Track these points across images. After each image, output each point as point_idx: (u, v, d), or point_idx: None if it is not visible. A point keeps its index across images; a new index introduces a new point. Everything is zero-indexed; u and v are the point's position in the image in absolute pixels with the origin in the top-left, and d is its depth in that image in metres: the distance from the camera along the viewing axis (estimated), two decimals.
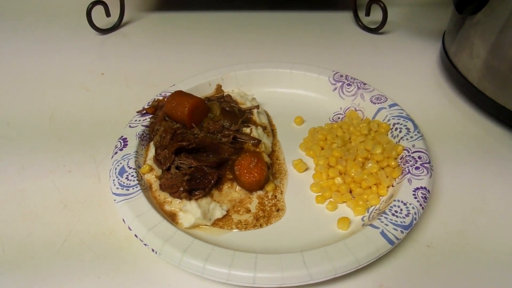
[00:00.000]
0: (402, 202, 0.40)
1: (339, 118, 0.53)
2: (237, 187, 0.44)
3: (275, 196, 0.44)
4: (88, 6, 0.68)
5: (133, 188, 0.42)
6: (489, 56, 0.50)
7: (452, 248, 0.39)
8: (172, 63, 0.64)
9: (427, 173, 0.42)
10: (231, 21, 0.73)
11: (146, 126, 0.49)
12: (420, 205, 0.40)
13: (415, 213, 0.39)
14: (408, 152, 0.45)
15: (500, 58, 0.49)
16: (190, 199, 0.41)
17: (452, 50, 0.58)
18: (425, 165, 0.43)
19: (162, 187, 0.42)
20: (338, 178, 0.44)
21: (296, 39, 0.69)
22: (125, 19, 0.74)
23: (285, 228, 0.41)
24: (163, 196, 0.42)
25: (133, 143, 0.46)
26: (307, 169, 0.47)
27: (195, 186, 0.42)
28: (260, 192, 0.44)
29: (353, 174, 0.44)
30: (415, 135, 0.47)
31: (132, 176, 0.43)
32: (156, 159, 0.45)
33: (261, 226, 0.41)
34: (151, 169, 0.44)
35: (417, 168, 0.43)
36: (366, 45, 0.67)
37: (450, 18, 0.60)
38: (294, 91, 0.56)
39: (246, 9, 0.76)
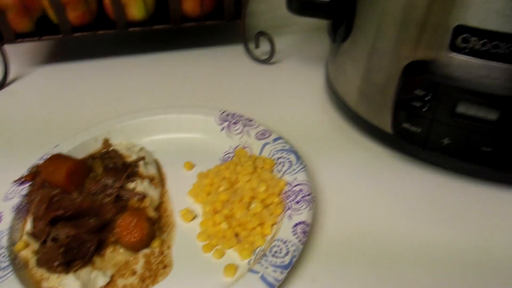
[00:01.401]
0: (282, 240, 0.41)
1: (229, 157, 0.53)
2: (121, 249, 0.42)
3: (162, 252, 0.43)
4: None
5: (3, 271, 0.39)
6: (360, 81, 0.53)
7: (337, 279, 0.40)
8: (62, 118, 0.62)
9: (307, 206, 0.43)
10: (122, 68, 0.72)
11: (24, 195, 0.47)
12: (300, 240, 0.40)
13: (294, 251, 0.40)
14: (290, 186, 0.46)
15: (368, 83, 0.52)
16: (67, 272, 0.39)
17: (333, 75, 0.60)
18: (305, 197, 0.44)
19: (39, 263, 0.40)
20: (224, 223, 0.44)
21: (188, 79, 0.69)
22: (11, 76, 0.71)
23: (173, 285, 0.40)
24: (40, 272, 0.40)
25: (7, 218, 0.44)
26: (195, 217, 0.47)
27: (73, 257, 0.40)
28: (146, 250, 0.43)
29: (238, 217, 0.44)
30: (297, 167, 0.48)
31: (3, 256, 0.40)
32: (32, 232, 0.43)
33: (147, 287, 0.40)
34: (27, 245, 0.42)
35: (297, 202, 0.44)
36: (259, 77, 0.69)
37: (329, 45, 0.62)
38: (184, 135, 0.56)
39: (135, 53, 0.76)
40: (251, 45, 0.74)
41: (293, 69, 0.70)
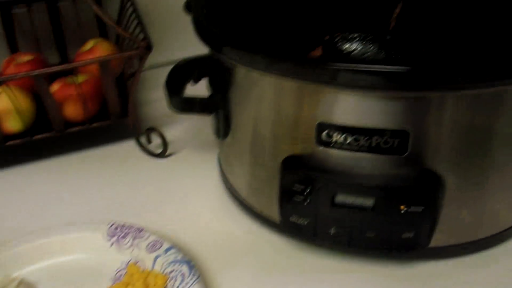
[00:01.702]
0: None
1: (121, 275, 0.50)
2: None
3: None
4: None
5: None
6: (247, 175, 0.53)
7: None
8: None
9: None
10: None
11: None
12: None
13: None
14: None
15: (254, 177, 0.52)
16: None
17: (224, 167, 0.60)
18: None
19: None
20: None
21: (75, 186, 0.65)
22: None
23: None
24: None
25: None
26: None
27: None
28: None
29: None
30: (190, 279, 0.46)
31: None
32: None
33: None
34: None
35: None
36: (154, 173, 0.67)
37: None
38: (70, 258, 0.51)
39: (12, 165, 0.71)
40: (144, 139, 0.72)
41: (190, 160, 0.69)
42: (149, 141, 0.71)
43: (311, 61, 0.42)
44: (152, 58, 0.70)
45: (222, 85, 0.50)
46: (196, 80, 0.52)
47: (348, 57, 0.63)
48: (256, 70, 0.44)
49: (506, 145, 0.42)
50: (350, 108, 0.41)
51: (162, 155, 0.70)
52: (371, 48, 0.64)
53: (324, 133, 0.43)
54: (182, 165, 0.68)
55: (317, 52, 0.67)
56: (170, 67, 0.53)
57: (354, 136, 0.42)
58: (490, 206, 0.46)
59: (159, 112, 0.80)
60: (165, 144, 0.69)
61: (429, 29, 0.48)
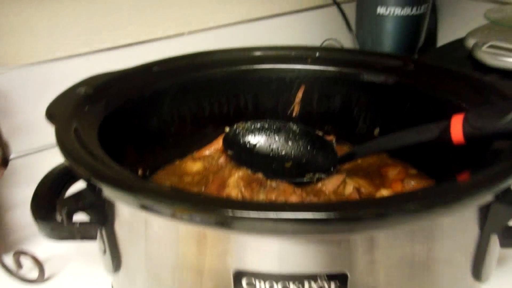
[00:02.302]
0: None
1: None
2: None
3: None
4: None
5: None
6: None
7: None
8: None
9: None
10: None
11: None
12: None
13: None
14: None
15: None
16: None
17: None
18: None
19: None
20: None
21: None
22: None
23: None
24: None
25: None
26: None
27: None
28: None
29: None
30: None
31: None
32: None
33: None
34: None
35: None
36: None
37: None
38: None
39: None
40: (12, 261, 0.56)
41: (77, 282, 0.55)
42: (20, 266, 0.56)
43: (210, 201, 0.32)
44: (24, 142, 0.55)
45: (103, 216, 0.39)
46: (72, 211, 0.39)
47: (252, 152, 0.57)
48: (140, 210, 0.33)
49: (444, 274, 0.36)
50: (270, 254, 0.32)
51: (39, 280, 0.55)
52: (277, 139, 0.58)
53: (244, 282, 0.34)
54: None
55: (216, 145, 0.59)
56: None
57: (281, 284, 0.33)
58: None
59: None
60: (40, 267, 0.54)
61: None
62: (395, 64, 0.51)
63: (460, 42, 0.81)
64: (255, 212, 0.29)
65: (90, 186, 0.36)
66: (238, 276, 0.33)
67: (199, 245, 0.34)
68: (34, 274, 0.55)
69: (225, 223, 0.30)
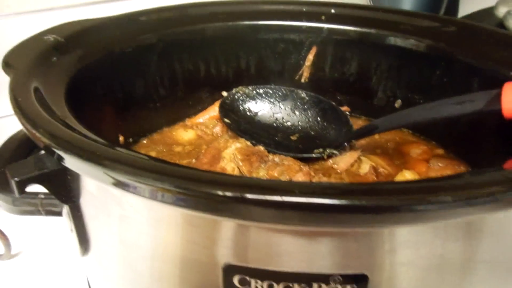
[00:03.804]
0: None
1: None
2: None
3: None
4: None
5: None
6: None
7: None
8: None
9: None
10: None
11: None
12: None
13: None
14: None
15: None
16: None
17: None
18: None
19: None
20: None
21: None
22: None
23: None
24: None
25: None
26: None
27: None
28: None
29: None
30: None
31: None
32: None
33: None
34: None
35: None
36: None
37: None
38: None
39: None
40: None
41: (46, 260, 0.49)
42: None
43: (197, 178, 0.24)
44: None
45: (65, 191, 0.32)
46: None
47: (254, 121, 0.50)
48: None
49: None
50: (270, 247, 0.25)
51: (5, 257, 0.49)
52: (282, 107, 0.50)
53: (236, 279, 0.27)
54: (34, 268, 0.48)
55: (211, 112, 0.51)
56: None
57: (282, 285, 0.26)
58: None
59: None
60: (6, 242, 0.48)
61: None
62: (430, 26, 0.43)
63: (487, 12, 0.73)
64: (254, 194, 0.22)
65: (49, 151, 0.28)
66: (229, 271, 0.26)
67: (182, 232, 0.27)
68: (0, 249, 0.49)
69: (215, 207, 0.23)
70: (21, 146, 0.40)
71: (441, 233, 0.26)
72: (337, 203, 0.21)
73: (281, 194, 0.22)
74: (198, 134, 0.48)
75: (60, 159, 0.27)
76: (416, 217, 0.22)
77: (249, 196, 0.22)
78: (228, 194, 0.22)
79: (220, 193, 0.22)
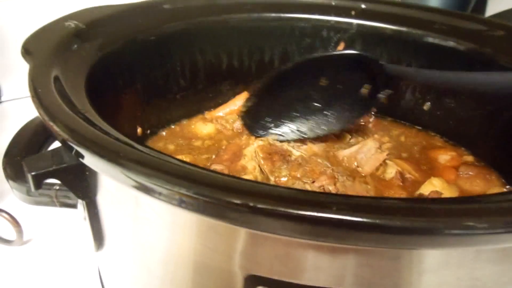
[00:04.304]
0: None
1: None
2: None
3: None
4: None
5: None
6: None
7: None
8: None
9: None
10: None
11: None
12: None
13: None
14: None
15: None
16: None
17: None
18: None
19: None
20: None
21: None
22: None
23: None
24: None
25: None
26: None
27: None
28: None
29: None
30: None
31: None
32: None
33: None
34: None
35: None
36: (7, 269, 0.45)
37: None
38: None
39: None
40: None
41: (56, 248, 0.48)
42: None
43: (223, 185, 0.23)
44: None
45: (82, 186, 0.30)
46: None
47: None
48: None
49: None
50: (297, 260, 0.24)
51: (16, 243, 0.48)
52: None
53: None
54: (45, 256, 0.47)
55: (232, 106, 0.48)
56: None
57: None
58: None
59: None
60: (18, 229, 0.47)
61: None
62: (474, 28, 0.40)
63: None
64: (284, 207, 0.21)
65: (67, 147, 0.27)
66: (252, 282, 0.25)
67: (201, 237, 0.26)
68: (12, 235, 0.48)
69: (246, 220, 0.22)
70: (37, 134, 0.39)
71: (473, 256, 0.25)
72: (381, 223, 0.19)
73: (315, 210, 0.20)
74: (218, 128, 0.47)
75: (79, 156, 0.26)
76: (464, 241, 0.20)
77: (279, 209, 0.21)
78: (261, 206, 0.20)
79: (251, 204, 0.20)
